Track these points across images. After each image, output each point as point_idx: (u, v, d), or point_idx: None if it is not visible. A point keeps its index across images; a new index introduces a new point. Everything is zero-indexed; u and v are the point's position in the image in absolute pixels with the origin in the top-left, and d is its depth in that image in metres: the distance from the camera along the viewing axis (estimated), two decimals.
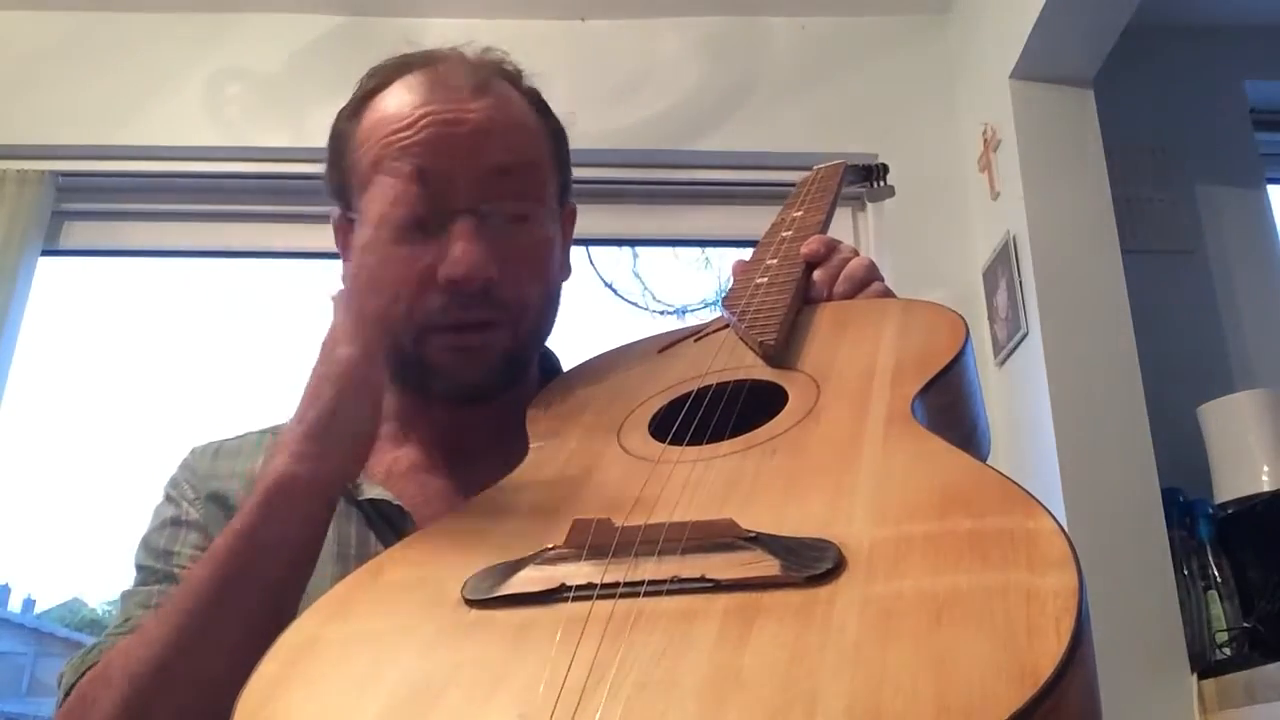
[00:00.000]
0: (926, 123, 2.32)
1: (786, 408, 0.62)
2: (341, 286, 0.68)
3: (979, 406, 0.68)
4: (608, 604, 0.43)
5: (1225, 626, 1.73)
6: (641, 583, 0.44)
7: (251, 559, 0.59)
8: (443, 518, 0.61)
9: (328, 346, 0.64)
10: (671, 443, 0.62)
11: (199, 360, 2.85)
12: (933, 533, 0.44)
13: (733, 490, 0.53)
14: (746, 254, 0.89)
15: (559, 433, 0.69)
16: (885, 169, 1.15)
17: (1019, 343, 1.99)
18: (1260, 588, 1.72)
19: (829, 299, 0.79)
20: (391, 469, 0.80)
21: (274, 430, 0.82)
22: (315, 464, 0.61)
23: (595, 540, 0.48)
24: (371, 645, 0.46)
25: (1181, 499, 1.84)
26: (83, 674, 0.66)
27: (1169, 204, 2.26)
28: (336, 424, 0.62)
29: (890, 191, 1.15)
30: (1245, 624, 1.71)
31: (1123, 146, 2.15)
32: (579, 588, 0.45)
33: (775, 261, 0.83)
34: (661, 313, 2.47)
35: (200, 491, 0.79)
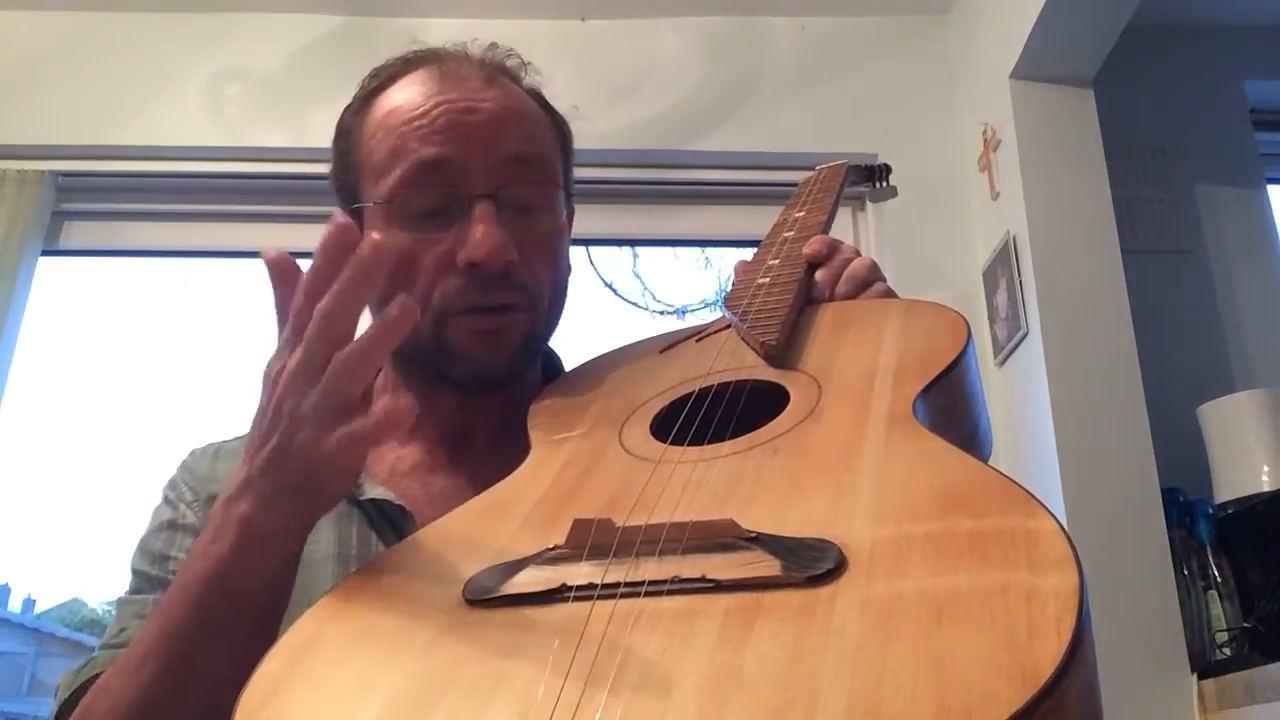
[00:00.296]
0: (926, 123, 2.32)
1: (788, 408, 0.62)
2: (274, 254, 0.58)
3: (980, 407, 0.68)
4: (608, 604, 0.43)
5: (1225, 626, 1.73)
6: (642, 583, 0.44)
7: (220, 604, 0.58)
8: (444, 517, 0.61)
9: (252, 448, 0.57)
10: (673, 443, 0.62)
11: (199, 360, 2.85)
12: (934, 533, 0.44)
13: (734, 490, 0.53)
14: (747, 254, 0.89)
15: (561, 432, 0.69)
16: (888, 169, 1.14)
17: (1019, 343, 1.99)
18: (1260, 588, 1.72)
19: (831, 299, 0.79)
20: (394, 468, 0.80)
21: None
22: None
23: (596, 540, 0.48)
24: (372, 645, 0.46)
25: (1181, 499, 1.84)
26: (76, 690, 0.67)
27: (1169, 204, 2.26)
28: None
29: (893, 192, 1.15)
30: (1245, 624, 1.71)
31: (1123, 146, 2.15)
32: (580, 588, 0.45)
33: (777, 262, 0.83)
34: (661, 313, 2.48)
35: (199, 494, 0.79)
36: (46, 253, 2.20)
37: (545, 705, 0.38)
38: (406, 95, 0.78)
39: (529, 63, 0.84)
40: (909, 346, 0.67)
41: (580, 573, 0.46)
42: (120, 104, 2.25)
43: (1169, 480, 1.84)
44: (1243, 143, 2.37)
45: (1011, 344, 2.01)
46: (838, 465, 0.53)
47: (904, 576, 0.41)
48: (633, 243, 2.45)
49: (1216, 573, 1.77)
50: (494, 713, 0.40)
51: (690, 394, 0.67)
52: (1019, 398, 1.98)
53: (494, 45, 0.83)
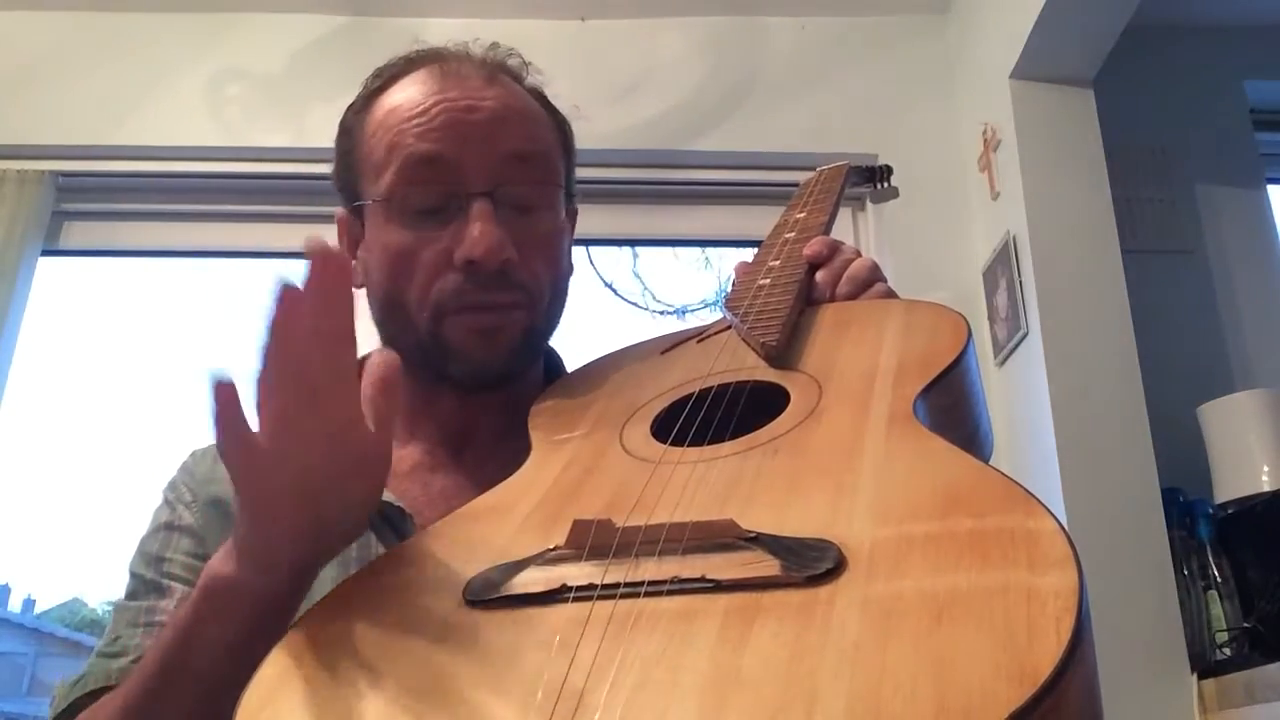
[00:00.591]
0: (926, 123, 2.32)
1: (788, 408, 0.62)
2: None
3: (981, 407, 0.68)
4: (608, 604, 0.43)
5: (1225, 626, 1.73)
6: (642, 583, 0.44)
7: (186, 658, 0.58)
8: (444, 518, 0.61)
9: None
10: (674, 444, 0.62)
11: (199, 361, 2.85)
12: (934, 532, 0.44)
13: (734, 491, 0.53)
14: (747, 254, 0.89)
15: (561, 433, 0.69)
16: (889, 170, 1.14)
17: (1019, 343, 1.99)
18: (1260, 588, 1.72)
19: (832, 300, 0.79)
20: (395, 469, 0.80)
21: None
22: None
23: (596, 541, 0.48)
24: (373, 646, 0.46)
25: (1181, 499, 1.84)
26: (70, 704, 0.68)
27: (1169, 204, 2.26)
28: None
29: (894, 193, 1.15)
30: (1245, 624, 1.72)
31: (1123, 146, 2.15)
32: (580, 588, 0.45)
33: (778, 263, 0.83)
34: (661, 313, 2.47)
35: (199, 495, 0.79)
36: (46, 253, 2.20)
37: (545, 705, 0.38)
38: (407, 94, 0.78)
39: (530, 63, 0.84)
40: (909, 347, 0.67)
41: (580, 573, 0.46)
42: (120, 104, 2.25)
43: (1169, 480, 1.84)
44: (1243, 143, 2.38)
45: (1011, 344, 2.01)
46: (838, 465, 0.53)
47: (904, 576, 0.41)
48: (633, 243, 2.46)
49: (1216, 573, 1.77)
50: (494, 713, 0.40)
51: (691, 395, 0.67)
52: (1019, 398, 1.98)
53: (496, 45, 0.83)
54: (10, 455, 2.22)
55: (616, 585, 0.44)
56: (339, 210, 0.83)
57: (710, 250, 2.48)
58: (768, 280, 0.80)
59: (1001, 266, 2.07)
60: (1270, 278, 2.27)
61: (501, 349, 0.76)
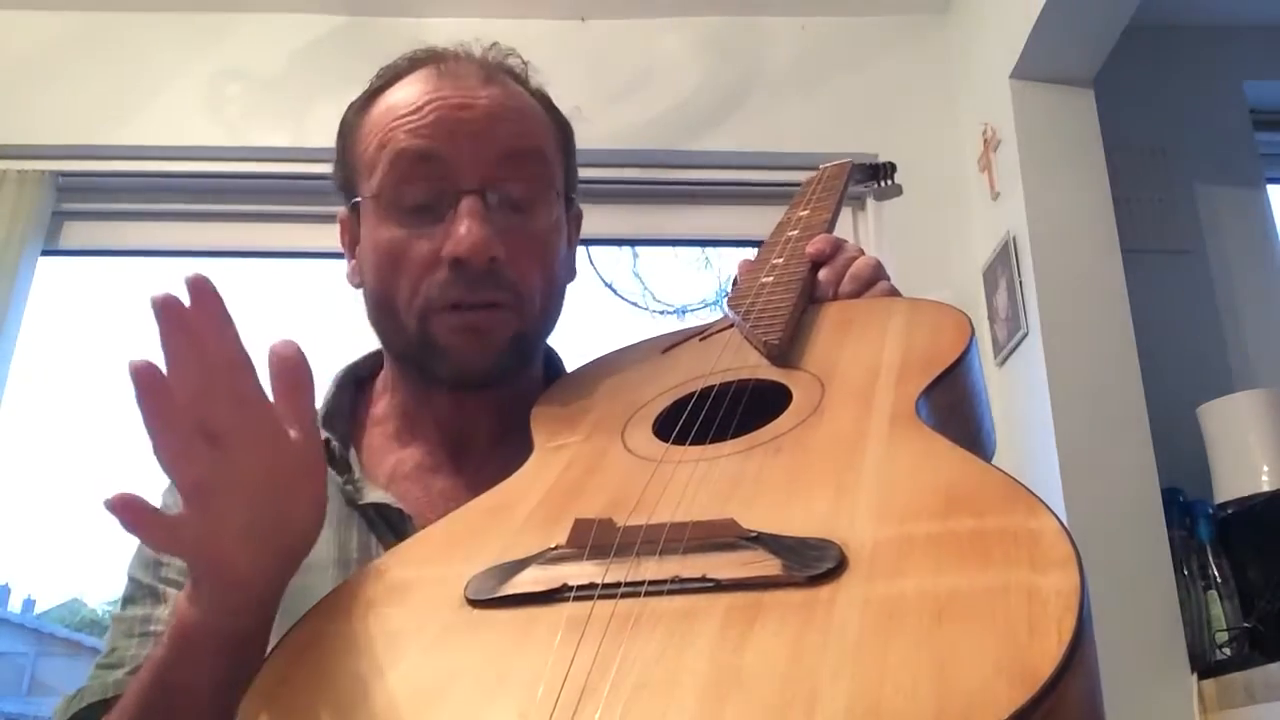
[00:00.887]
0: (926, 123, 2.32)
1: (790, 407, 0.62)
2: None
3: (984, 406, 0.68)
4: (609, 604, 0.43)
5: (1225, 626, 1.73)
6: (643, 583, 0.44)
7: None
8: (445, 517, 0.61)
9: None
10: (675, 443, 0.62)
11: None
12: (935, 532, 0.44)
13: (735, 490, 0.53)
14: (747, 254, 0.89)
15: (563, 433, 0.69)
16: (892, 167, 1.14)
17: (1019, 343, 1.99)
18: (1260, 588, 1.72)
19: (834, 298, 0.79)
20: (395, 471, 0.80)
21: None
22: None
23: (597, 540, 0.48)
24: (374, 645, 0.46)
25: (1181, 499, 1.84)
26: (70, 718, 0.68)
27: (1169, 204, 2.26)
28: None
29: (898, 190, 1.15)
30: (1245, 624, 1.71)
31: (1123, 146, 2.15)
32: (580, 588, 0.45)
33: (781, 261, 0.83)
34: (661, 313, 2.47)
35: None
36: (46, 253, 2.20)
37: (546, 704, 0.38)
38: (404, 93, 0.78)
39: (528, 62, 0.84)
40: (912, 345, 0.67)
41: (581, 573, 0.46)
42: (120, 104, 2.25)
43: (1169, 480, 1.84)
44: (1242, 143, 2.37)
45: (1011, 344, 2.01)
46: (840, 464, 0.53)
47: (905, 575, 0.41)
48: (633, 243, 2.45)
49: (1216, 573, 1.77)
50: (495, 712, 0.40)
51: (693, 394, 0.67)
52: (1019, 398, 1.98)
53: (497, 45, 0.82)
54: (10, 455, 2.22)
55: (617, 585, 0.44)
56: (341, 211, 0.83)
57: (710, 250, 2.48)
58: (770, 278, 0.80)
59: (1001, 266, 2.07)
60: (1270, 278, 2.27)
61: (488, 349, 0.75)
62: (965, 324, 0.68)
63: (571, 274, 0.85)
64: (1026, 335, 1.96)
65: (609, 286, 2.43)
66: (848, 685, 0.36)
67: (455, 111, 0.75)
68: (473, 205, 0.73)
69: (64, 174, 2.21)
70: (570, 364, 0.87)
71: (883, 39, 2.40)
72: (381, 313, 0.78)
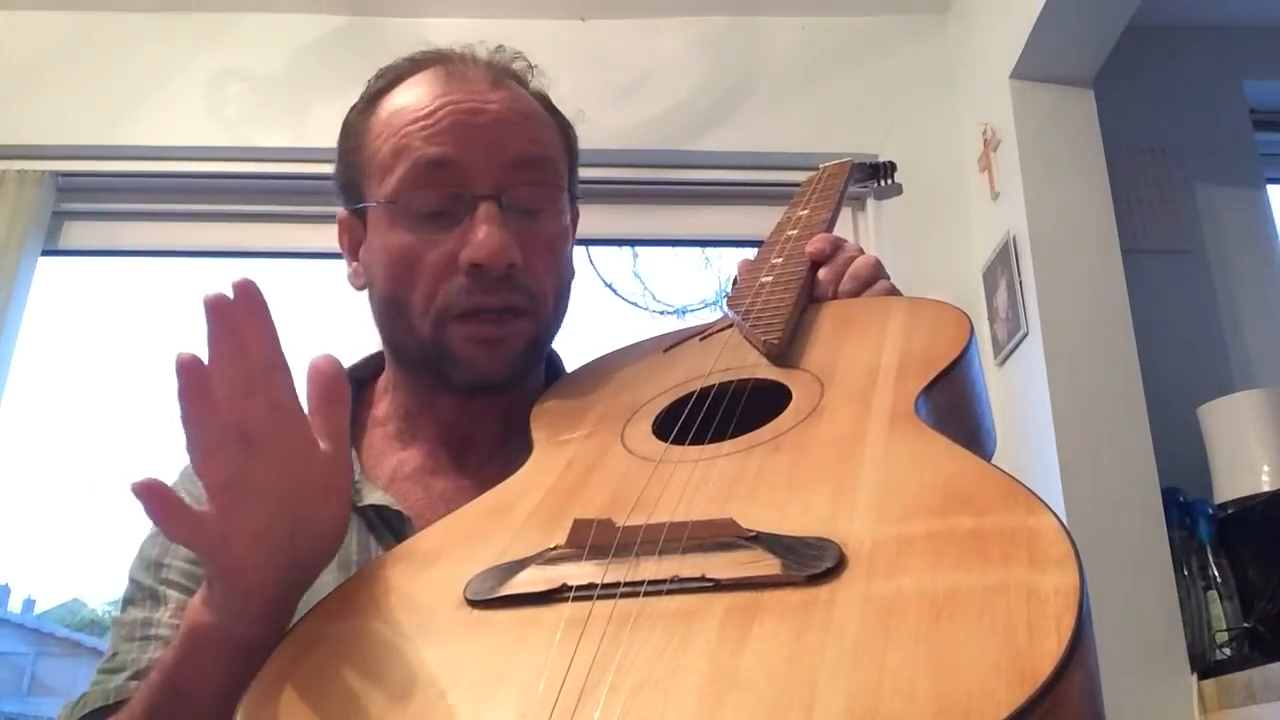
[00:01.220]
0: (926, 123, 2.32)
1: (790, 406, 0.62)
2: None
3: (984, 405, 0.68)
4: (608, 604, 0.43)
5: (1225, 626, 1.73)
6: (642, 583, 0.44)
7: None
8: (445, 517, 0.61)
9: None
10: (675, 442, 0.62)
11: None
12: (934, 531, 0.44)
13: (735, 489, 0.53)
14: (747, 254, 0.89)
15: (563, 433, 0.69)
16: (893, 166, 1.14)
17: (1019, 343, 1.99)
18: (1260, 588, 1.72)
19: (834, 297, 0.79)
20: (396, 472, 0.80)
21: None
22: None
23: (596, 540, 0.48)
24: (373, 646, 0.46)
25: (1181, 499, 1.84)
26: None
27: (1169, 204, 2.26)
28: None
29: (898, 189, 1.15)
30: (1245, 624, 1.71)
31: (1123, 146, 2.15)
32: (580, 588, 0.45)
33: (780, 260, 0.83)
34: (661, 313, 2.47)
35: (198, 499, 0.79)
36: (46, 253, 2.20)
37: (545, 704, 0.38)
38: (412, 95, 0.78)
39: (535, 65, 0.84)
40: (912, 344, 0.67)
41: (580, 573, 0.46)
42: (120, 104, 2.25)
43: (1169, 480, 1.84)
44: (1242, 143, 2.37)
45: (1011, 344, 2.01)
46: (839, 463, 0.53)
47: (904, 575, 0.41)
48: (633, 243, 2.45)
49: (1216, 573, 1.77)
50: (494, 712, 0.40)
51: (692, 393, 0.67)
52: (1019, 398, 1.98)
53: (501, 48, 0.82)
54: (10, 455, 2.22)
55: (616, 585, 0.44)
56: (340, 211, 0.82)
57: (710, 250, 2.48)
58: (770, 278, 0.80)
59: (1001, 266, 2.07)
60: (1270, 278, 2.26)
61: (505, 359, 0.76)
62: (965, 323, 0.68)
63: (573, 272, 0.86)
64: (1026, 335, 1.96)
65: (609, 286, 2.44)
66: (847, 684, 0.36)
67: (468, 116, 0.76)
68: (490, 211, 0.74)
69: (64, 174, 2.21)
70: (570, 364, 0.87)
71: (883, 39, 2.40)
72: (393, 317, 0.78)
